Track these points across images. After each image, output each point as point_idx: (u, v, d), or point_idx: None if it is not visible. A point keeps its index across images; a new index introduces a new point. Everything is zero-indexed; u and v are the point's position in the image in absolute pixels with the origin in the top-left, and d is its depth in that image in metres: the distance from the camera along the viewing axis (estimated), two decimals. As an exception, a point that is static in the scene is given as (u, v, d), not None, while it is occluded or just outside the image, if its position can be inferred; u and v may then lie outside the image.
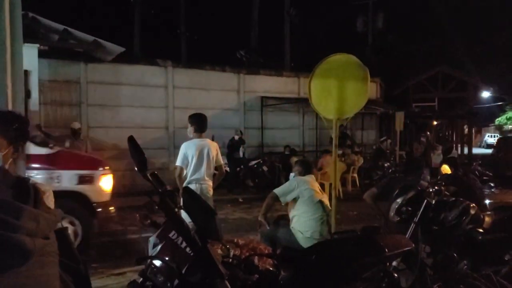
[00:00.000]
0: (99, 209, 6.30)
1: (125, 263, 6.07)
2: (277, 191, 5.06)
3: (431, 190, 4.00)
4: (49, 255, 0.99)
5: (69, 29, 9.44)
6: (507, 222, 4.34)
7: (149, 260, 2.15)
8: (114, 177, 6.63)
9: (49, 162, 6.04)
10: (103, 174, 6.39)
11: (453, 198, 4.17)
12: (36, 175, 5.67)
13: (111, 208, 6.55)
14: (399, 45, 26.27)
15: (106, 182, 6.41)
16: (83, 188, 6.19)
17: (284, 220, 5.26)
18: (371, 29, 25.45)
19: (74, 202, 6.07)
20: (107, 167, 6.55)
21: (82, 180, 6.19)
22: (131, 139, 2.23)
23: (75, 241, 5.86)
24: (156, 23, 23.16)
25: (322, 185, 8.26)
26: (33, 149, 5.76)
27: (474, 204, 4.15)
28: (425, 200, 3.89)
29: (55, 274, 1.03)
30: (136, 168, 2.19)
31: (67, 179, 6.07)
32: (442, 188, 4.10)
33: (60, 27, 9.41)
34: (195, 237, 1.81)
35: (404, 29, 26.59)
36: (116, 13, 22.40)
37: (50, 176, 5.95)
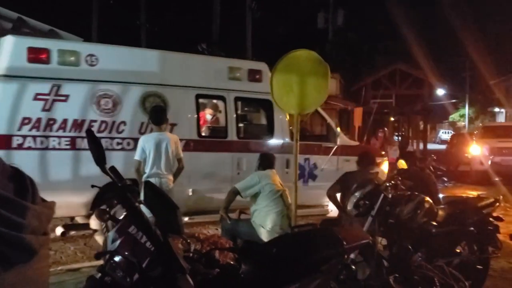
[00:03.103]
0: None
1: (82, 259, 5.96)
2: (238, 186, 5.07)
3: (387, 184, 4.11)
4: (46, 248, 1.03)
5: (23, 17, 9.09)
6: (459, 216, 4.52)
7: (107, 255, 2.11)
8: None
9: (355, 152, 7.59)
10: (384, 160, 8.63)
11: (409, 193, 4.30)
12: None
13: None
14: (359, 42, 26.75)
15: (385, 166, 8.49)
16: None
17: (245, 214, 5.29)
18: (331, 25, 25.77)
19: None
20: (384, 154, 9.03)
21: None
22: (89, 132, 2.18)
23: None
24: (115, 14, 22.62)
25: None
26: (345, 141, 8.09)
27: (428, 198, 4.30)
28: (382, 194, 3.99)
29: (49, 265, 1.07)
30: (94, 162, 2.14)
31: None
32: (398, 182, 4.22)
33: (14, 15, 9.05)
34: (156, 231, 1.79)
35: (364, 27, 27.10)
36: (73, 2, 21.73)
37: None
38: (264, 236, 4.84)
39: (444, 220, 4.36)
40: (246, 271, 2.36)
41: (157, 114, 5.54)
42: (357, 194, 4.23)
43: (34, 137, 5.72)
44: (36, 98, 5.77)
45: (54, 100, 5.87)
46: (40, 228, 0.95)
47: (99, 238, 6.38)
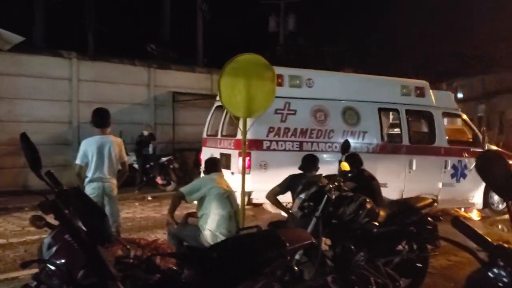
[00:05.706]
0: None
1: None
2: (183, 189, 5.03)
3: (331, 186, 4.20)
4: None
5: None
6: (399, 216, 4.69)
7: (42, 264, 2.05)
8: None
9: None
10: None
11: (351, 194, 4.41)
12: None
13: None
14: (309, 47, 27.10)
15: None
16: None
17: (193, 217, 5.26)
18: (282, 29, 25.96)
19: None
20: None
21: None
22: (23, 136, 2.10)
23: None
24: (61, 12, 21.80)
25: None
26: (490, 147, 9.50)
27: (370, 199, 4.44)
28: (326, 196, 4.09)
29: None
30: (29, 167, 2.07)
31: None
32: (341, 184, 4.32)
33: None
34: (85, 239, 1.75)
35: (314, 32, 27.52)
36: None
37: None
38: (211, 239, 4.82)
39: (385, 220, 4.50)
40: (188, 276, 2.34)
41: (100, 117, 5.38)
42: (302, 196, 4.30)
43: (276, 141, 7.64)
44: (276, 112, 7.59)
45: (287, 114, 7.73)
46: None
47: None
